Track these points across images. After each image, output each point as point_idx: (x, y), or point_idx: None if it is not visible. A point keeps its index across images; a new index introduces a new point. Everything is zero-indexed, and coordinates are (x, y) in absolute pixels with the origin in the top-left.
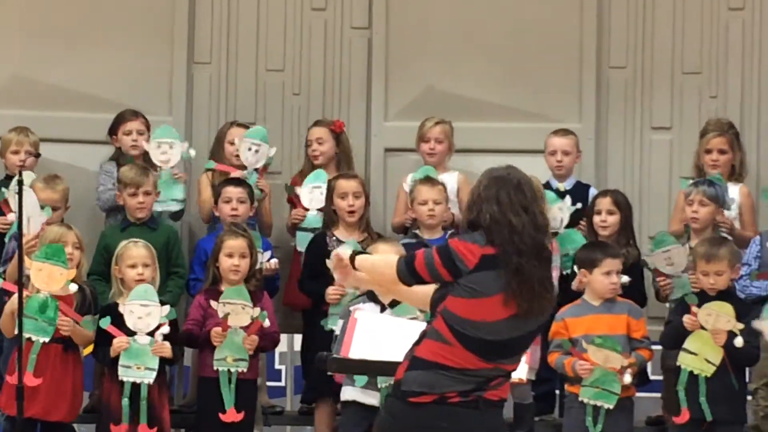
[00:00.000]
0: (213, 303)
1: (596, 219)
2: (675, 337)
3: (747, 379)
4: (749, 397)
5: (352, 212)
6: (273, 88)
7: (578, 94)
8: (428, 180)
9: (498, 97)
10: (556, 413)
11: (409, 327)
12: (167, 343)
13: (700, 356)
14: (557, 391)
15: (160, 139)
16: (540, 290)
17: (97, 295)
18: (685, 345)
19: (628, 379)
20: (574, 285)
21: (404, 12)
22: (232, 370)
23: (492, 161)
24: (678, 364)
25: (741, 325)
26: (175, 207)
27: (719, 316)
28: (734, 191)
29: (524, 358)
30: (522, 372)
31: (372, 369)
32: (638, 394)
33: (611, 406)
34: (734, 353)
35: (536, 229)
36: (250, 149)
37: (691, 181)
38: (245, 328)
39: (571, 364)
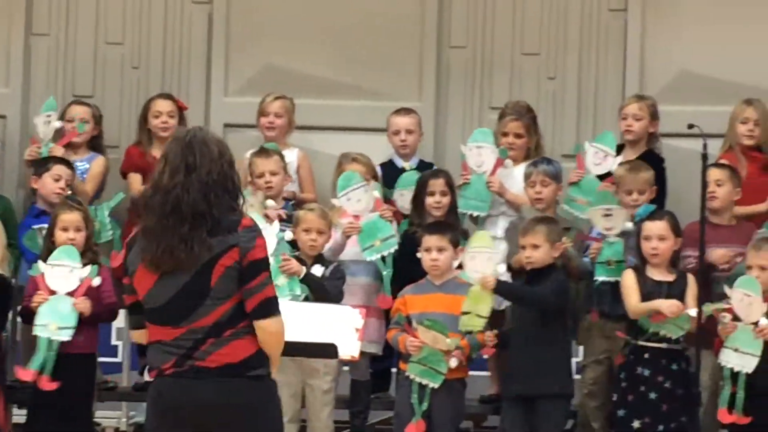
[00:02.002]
0: (41, 265)
1: (429, 200)
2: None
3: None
4: (578, 376)
5: None
6: (112, 61)
7: (419, 73)
8: (263, 151)
9: (339, 75)
10: (393, 391)
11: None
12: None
13: (471, 313)
14: (393, 369)
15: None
16: (169, 246)
17: None
18: (463, 307)
19: (454, 363)
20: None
21: None
22: (54, 338)
23: (332, 138)
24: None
25: (500, 254)
26: None
27: (482, 253)
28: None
29: (356, 335)
30: (354, 349)
31: None
32: (472, 373)
33: (436, 386)
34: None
35: (189, 189)
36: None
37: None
38: (73, 293)
39: (404, 341)
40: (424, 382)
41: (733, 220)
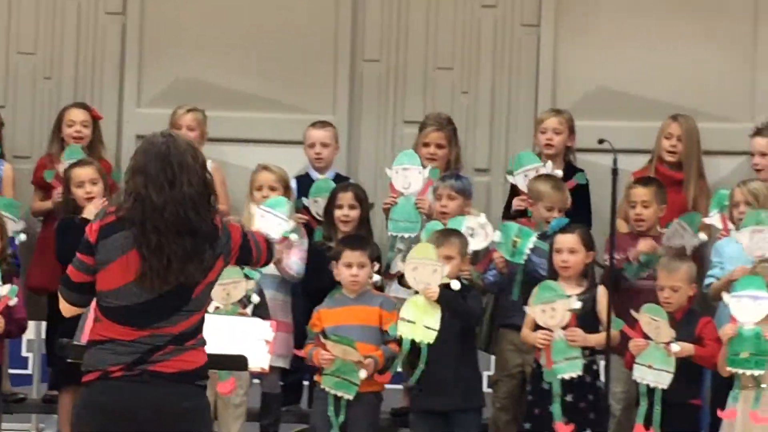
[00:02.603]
0: None
1: (338, 213)
2: None
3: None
4: (490, 389)
5: (90, 199)
6: (24, 70)
7: (332, 87)
8: None
9: (253, 87)
10: (305, 404)
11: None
12: None
13: (418, 324)
14: (306, 382)
15: None
16: (180, 264)
17: None
18: (402, 313)
19: (363, 374)
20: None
21: None
22: None
23: (246, 151)
24: (399, 334)
25: (446, 269)
26: None
27: (425, 265)
28: None
29: (266, 348)
30: (263, 361)
31: None
32: (389, 387)
33: (351, 397)
34: (455, 309)
35: (182, 204)
36: None
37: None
38: None
39: (317, 355)
40: (339, 393)
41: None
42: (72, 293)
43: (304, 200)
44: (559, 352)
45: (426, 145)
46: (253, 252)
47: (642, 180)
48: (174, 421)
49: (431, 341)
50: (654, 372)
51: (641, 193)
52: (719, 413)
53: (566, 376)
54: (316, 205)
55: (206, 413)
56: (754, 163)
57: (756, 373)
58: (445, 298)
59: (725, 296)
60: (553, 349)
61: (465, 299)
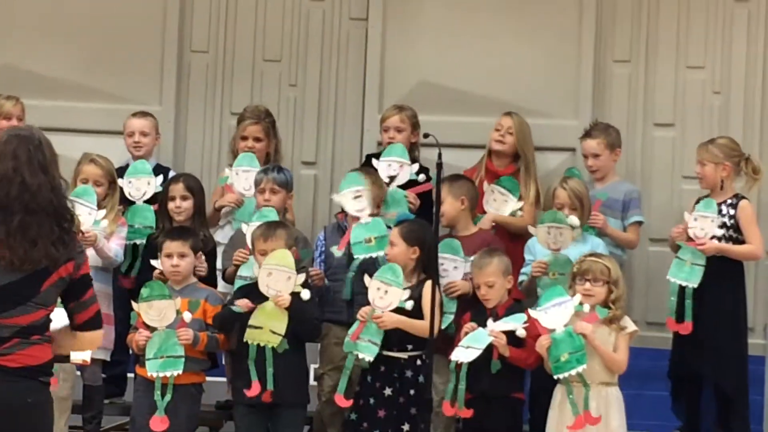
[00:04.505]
0: None
1: (171, 205)
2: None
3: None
4: (314, 381)
5: None
6: None
7: (159, 77)
8: None
9: (78, 77)
10: (128, 396)
11: None
12: None
13: (265, 329)
14: (130, 374)
15: None
16: (46, 246)
17: None
18: (250, 321)
19: (187, 317)
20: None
21: None
22: None
23: (69, 141)
24: (245, 339)
25: (302, 277)
26: None
27: (280, 272)
28: None
29: None
30: (85, 353)
31: None
32: (209, 379)
33: (179, 371)
34: (299, 321)
35: (53, 191)
36: None
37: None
38: None
39: (134, 338)
40: (167, 374)
41: (471, 228)
42: None
43: (120, 181)
44: (367, 332)
45: (244, 138)
46: (85, 295)
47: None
48: (17, 416)
49: (276, 345)
50: (466, 350)
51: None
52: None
53: (360, 355)
54: (130, 186)
55: (48, 408)
56: (588, 165)
57: (580, 369)
58: (294, 307)
59: (532, 312)
60: (365, 327)
61: (306, 311)
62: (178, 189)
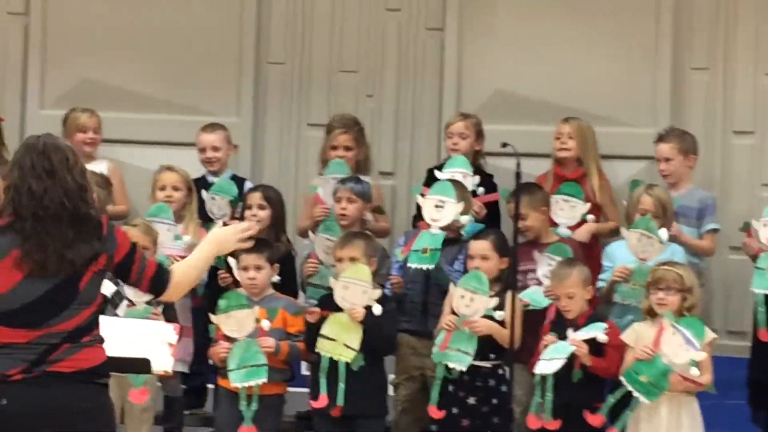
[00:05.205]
0: None
1: (247, 213)
2: None
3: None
4: (391, 392)
5: None
6: None
7: (237, 89)
8: None
9: (156, 89)
10: (209, 407)
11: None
12: None
13: (338, 341)
14: (211, 385)
15: None
16: (59, 249)
17: None
18: (323, 330)
19: (266, 324)
20: None
21: None
22: None
23: (148, 153)
24: (317, 350)
25: (377, 293)
26: None
27: (356, 285)
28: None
29: (169, 351)
30: (166, 364)
31: None
32: (290, 389)
33: (264, 380)
34: (372, 336)
35: (66, 194)
36: None
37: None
38: None
39: (214, 350)
40: (251, 383)
41: (551, 236)
42: None
43: (204, 194)
44: (457, 341)
45: (334, 148)
46: (133, 271)
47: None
48: (75, 421)
49: (349, 360)
50: (547, 362)
51: (523, 202)
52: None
53: (450, 365)
54: (212, 202)
55: (107, 411)
56: (660, 169)
57: (642, 399)
58: (368, 323)
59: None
60: (453, 336)
61: (382, 326)
62: (255, 198)
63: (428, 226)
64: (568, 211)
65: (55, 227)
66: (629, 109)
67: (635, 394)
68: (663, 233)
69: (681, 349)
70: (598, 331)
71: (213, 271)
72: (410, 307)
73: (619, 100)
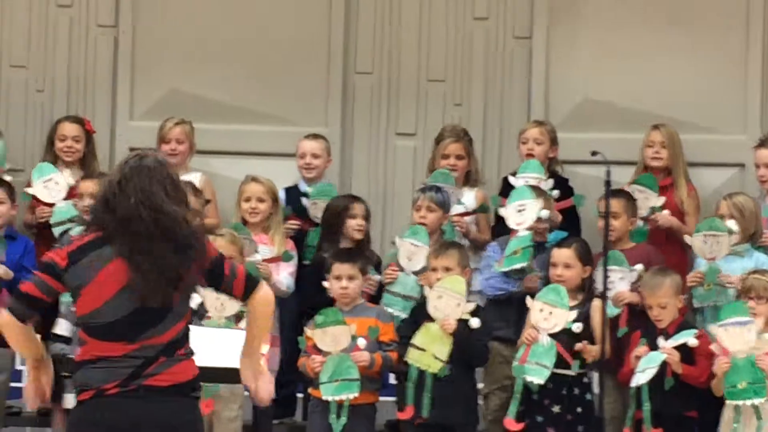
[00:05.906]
0: None
1: (351, 222)
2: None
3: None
4: (480, 401)
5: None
6: (16, 84)
7: (324, 99)
8: None
9: (244, 100)
10: (299, 416)
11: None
12: None
13: (428, 352)
14: (300, 395)
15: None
16: (157, 266)
17: None
18: (413, 340)
19: (362, 342)
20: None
21: (151, 11)
22: None
23: (237, 163)
24: (405, 359)
25: (471, 305)
26: None
27: (451, 297)
28: (470, 196)
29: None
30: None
31: None
32: (380, 398)
33: (356, 394)
34: (465, 348)
35: (162, 207)
36: None
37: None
38: None
39: (309, 363)
40: (344, 396)
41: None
42: (21, 305)
43: (304, 201)
44: (536, 355)
45: (445, 156)
46: (223, 278)
47: (612, 192)
48: None
49: (437, 372)
50: (641, 373)
51: (611, 204)
52: None
53: (528, 378)
54: (315, 207)
55: (201, 427)
56: (760, 175)
57: (756, 401)
58: (460, 335)
59: (712, 328)
60: (532, 350)
61: (475, 339)
62: (361, 208)
63: (516, 233)
64: (641, 201)
65: (150, 242)
66: (718, 115)
67: (748, 403)
68: (731, 224)
69: (741, 337)
70: (688, 337)
71: (300, 280)
72: (501, 312)
73: (708, 107)
